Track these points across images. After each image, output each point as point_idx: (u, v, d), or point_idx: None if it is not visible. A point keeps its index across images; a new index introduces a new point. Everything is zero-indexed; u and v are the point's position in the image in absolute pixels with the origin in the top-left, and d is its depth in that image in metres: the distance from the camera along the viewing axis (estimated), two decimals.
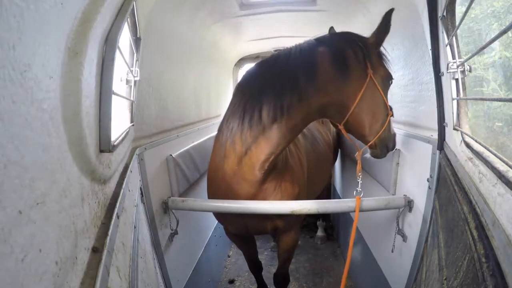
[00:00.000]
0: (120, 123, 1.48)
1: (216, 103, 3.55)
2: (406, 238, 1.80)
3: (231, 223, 2.10)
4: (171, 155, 2.06)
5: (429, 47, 1.43)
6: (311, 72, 1.53)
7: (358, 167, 1.76)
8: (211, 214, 3.25)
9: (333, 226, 4.37)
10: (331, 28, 2.06)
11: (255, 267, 2.64)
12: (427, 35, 1.45)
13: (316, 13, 2.51)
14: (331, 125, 3.50)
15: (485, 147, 1.02)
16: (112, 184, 1.12)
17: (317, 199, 1.90)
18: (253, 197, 1.77)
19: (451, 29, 1.27)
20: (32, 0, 0.58)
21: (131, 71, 1.50)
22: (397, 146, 1.97)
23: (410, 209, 1.76)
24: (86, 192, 0.85)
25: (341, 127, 1.67)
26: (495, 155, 0.93)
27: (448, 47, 1.29)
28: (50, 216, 0.61)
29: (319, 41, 1.62)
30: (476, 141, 1.10)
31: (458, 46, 1.30)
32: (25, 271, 0.50)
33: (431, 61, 1.43)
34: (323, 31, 3.08)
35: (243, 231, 2.09)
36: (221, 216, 2.11)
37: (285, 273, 2.40)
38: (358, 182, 1.73)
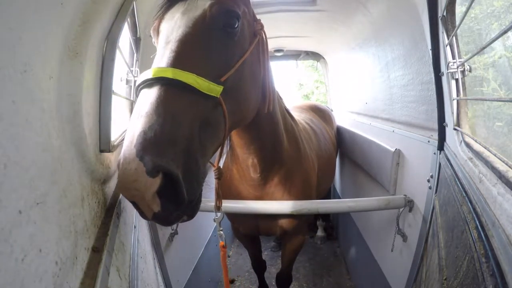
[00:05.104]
0: (120, 123, 1.48)
1: None
2: (406, 238, 1.80)
3: (243, 224, 2.12)
4: None
5: (429, 47, 1.43)
6: None
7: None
8: (211, 214, 3.24)
9: (333, 226, 4.37)
10: None
11: (260, 266, 2.65)
12: (427, 35, 1.45)
13: (316, 13, 2.51)
14: (333, 123, 3.51)
15: (485, 147, 1.02)
16: (112, 184, 1.12)
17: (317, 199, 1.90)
18: (260, 200, 1.78)
19: (451, 29, 1.26)
20: (32, 0, 0.58)
21: (131, 71, 1.50)
22: (397, 146, 1.97)
23: (410, 209, 1.76)
24: (86, 192, 0.85)
25: None
26: (495, 155, 0.93)
27: (448, 47, 1.29)
28: (50, 216, 0.61)
29: None
30: (476, 141, 1.10)
31: (458, 46, 1.30)
32: (25, 271, 0.50)
33: (431, 61, 1.43)
34: (323, 31, 3.09)
35: (254, 232, 2.11)
36: (235, 217, 2.13)
37: (289, 273, 2.42)
38: None
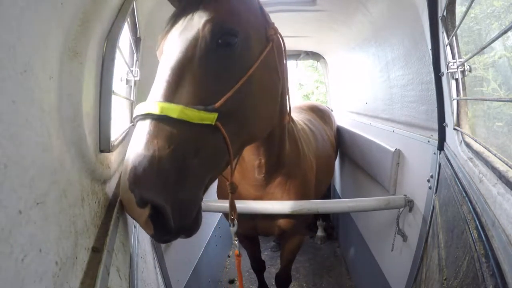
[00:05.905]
0: (120, 123, 1.48)
1: None
2: (406, 238, 1.80)
3: (242, 224, 2.12)
4: None
5: (429, 47, 1.43)
6: None
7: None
8: (211, 214, 3.24)
9: (333, 226, 4.37)
10: None
11: (259, 267, 2.66)
12: (427, 35, 1.45)
13: (316, 13, 2.51)
14: (332, 123, 3.51)
15: (485, 147, 1.02)
16: (112, 184, 1.12)
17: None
18: (259, 200, 1.79)
19: (451, 29, 1.27)
20: (32, 0, 0.58)
21: (131, 71, 1.50)
22: (397, 146, 1.97)
23: (410, 209, 1.76)
24: (86, 192, 0.85)
25: None
26: (495, 155, 0.93)
27: (448, 47, 1.29)
28: (50, 216, 0.61)
29: None
30: (476, 141, 1.10)
31: (458, 46, 1.30)
32: (25, 271, 0.50)
33: (431, 61, 1.43)
34: (323, 31, 3.09)
35: (252, 232, 2.11)
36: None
37: (288, 273, 2.43)
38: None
